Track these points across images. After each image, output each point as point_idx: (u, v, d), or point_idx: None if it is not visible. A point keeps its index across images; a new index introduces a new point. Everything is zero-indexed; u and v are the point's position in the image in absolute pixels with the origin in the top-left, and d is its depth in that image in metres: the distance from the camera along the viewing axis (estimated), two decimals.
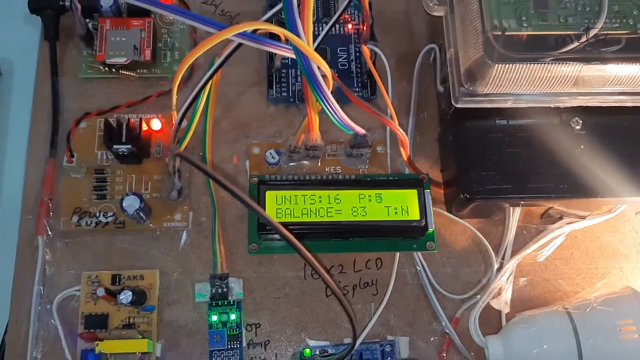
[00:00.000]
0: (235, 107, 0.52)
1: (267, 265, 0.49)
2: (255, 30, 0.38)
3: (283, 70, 0.52)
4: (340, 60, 0.53)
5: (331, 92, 0.41)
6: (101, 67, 0.51)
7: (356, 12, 0.54)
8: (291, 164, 0.51)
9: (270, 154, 0.50)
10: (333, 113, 0.41)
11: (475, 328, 0.46)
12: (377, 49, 0.51)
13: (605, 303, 0.43)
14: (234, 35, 0.37)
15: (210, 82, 0.46)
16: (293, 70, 0.52)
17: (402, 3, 0.56)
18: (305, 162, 0.50)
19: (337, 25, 0.54)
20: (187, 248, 0.49)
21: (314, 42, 0.46)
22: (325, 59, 0.53)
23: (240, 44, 0.39)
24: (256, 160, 0.50)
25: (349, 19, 0.54)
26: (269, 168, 0.50)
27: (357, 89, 0.53)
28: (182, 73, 0.38)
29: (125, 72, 0.51)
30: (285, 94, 0.52)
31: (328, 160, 0.51)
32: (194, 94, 0.41)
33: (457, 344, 0.47)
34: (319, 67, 0.39)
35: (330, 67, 0.52)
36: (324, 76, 0.40)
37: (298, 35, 0.38)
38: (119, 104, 0.50)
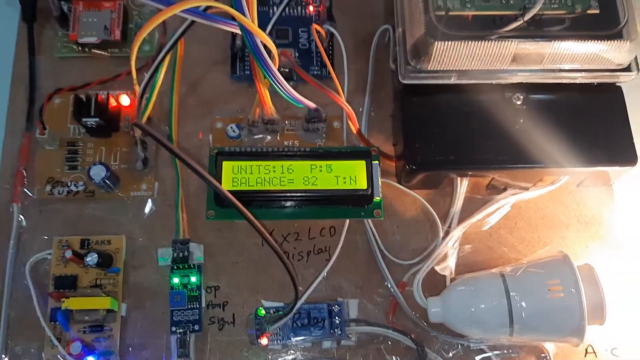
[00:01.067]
0: (200, 85, 0.56)
1: (227, 231, 0.52)
2: (208, 8, 0.41)
3: (246, 50, 0.55)
4: (301, 40, 0.56)
5: (278, 69, 0.44)
6: (75, 47, 0.55)
7: None
8: (253, 137, 0.54)
9: (231, 128, 0.53)
10: (280, 86, 0.44)
11: (418, 290, 0.49)
12: (333, 30, 0.54)
13: (536, 266, 0.46)
14: (182, 12, 0.40)
15: (174, 60, 0.50)
16: None
17: None
18: (264, 136, 0.54)
19: (300, 7, 0.57)
20: (152, 216, 0.52)
21: (270, 22, 0.49)
22: (287, 39, 0.56)
23: (192, 22, 0.42)
24: (219, 134, 0.54)
25: (310, 1, 0.57)
26: (231, 142, 0.53)
27: (316, 68, 0.56)
28: (136, 48, 0.41)
29: (97, 52, 0.55)
30: (247, 72, 0.55)
31: (287, 134, 0.54)
32: (152, 69, 0.45)
33: (403, 306, 0.50)
34: (265, 46, 0.42)
35: (292, 47, 0.56)
36: (271, 54, 0.43)
37: (243, 13, 0.41)
38: (91, 81, 0.53)
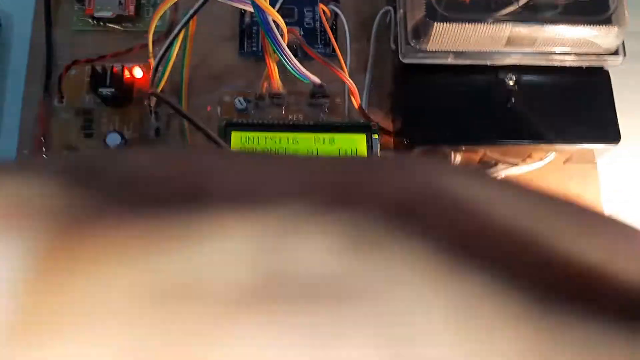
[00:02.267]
0: (210, 60, 0.58)
1: None
2: None
3: (253, 27, 0.58)
4: (306, 19, 0.59)
5: (287, 45, 0.47)
6: (90, 21, 0.57)
7: None
8: (259, 111, 0.57)
9: (239, 100, 0.56)
10: (288, 62, 0.47)
11: None
12: (337, 10, 0.57)
13: None
14: None
15: (186, 35, 0.53)
16: None
17: None
18: (270, 109, 0.57)
19: None
20: None
21: (278, 1, 0.52)
22: (292, 18, 0.59)
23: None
24: (227, 107, 0.57)
25: None
26: (238, 114, 0.56)
27: (320, 46, 0.58)
28: (154, 24, 0.45)
29: (111, 26, 0.57)
30: (255, 48, 0.58)
31: (292, 109, 0.57)
32: (167, 43, 0.47)
33: None
34: (275, 22, 0.45)
35: (297, 25, 0.59)
36: (281, 31, 0.46)
37: None
38: (105, 53, 0.56)
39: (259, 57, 0.58)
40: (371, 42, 0.59)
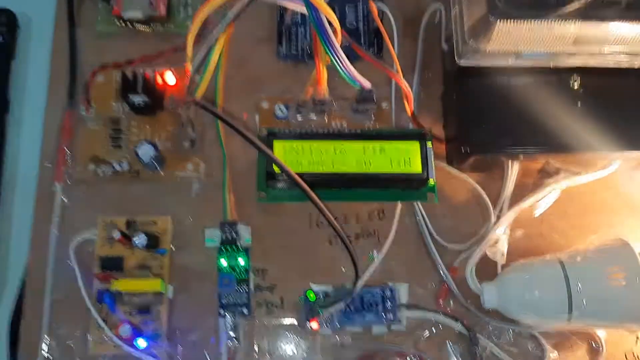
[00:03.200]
0: (246, 63, 0.54)
1: (274, 214, 0.51)
2: None
3: (293, 28, 0.54)
4: (348, 19, 0.55)
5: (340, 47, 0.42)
6: (117, 22, 0.53)
7: None
8: (300, 119, 0.52)
9: (279, 107, 0.52)
10: (341, 65, 0.42)
11: (472, 275, 0.48)
12: (385, 8, 0.53)
13: (596, 252, 0.45)
14: None
15: (223, 37, 0.48)
16: (302, 28, 0.54)
17: None
18: (313, 117, 0.52)
19: None
20: (198, 197, 0.51)
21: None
22: None
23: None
24: (265, 114, 0.52)
25: None
26: (278, 122, 0.52)
27: (364, 48, 0.54)
28: (197, 25, 0.40)
29: (140, 27, 0.53)
30: (294, 51, 0.54)
31: (335, 115, 0.53)
32: (206, 47, 0.43)
33: (454, 290, 0.49)
34: (328, 21, 0.41)
35: None
36: (334, 30, 0.42)
37: None
38: (134, 57, 0.52)
39: (298, 60, 0.54)
40: (419, 42, 0.55)
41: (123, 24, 0.53)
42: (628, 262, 0.44)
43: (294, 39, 0.54)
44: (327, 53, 0.42)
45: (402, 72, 0.53)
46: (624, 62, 0.48)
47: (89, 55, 0.53)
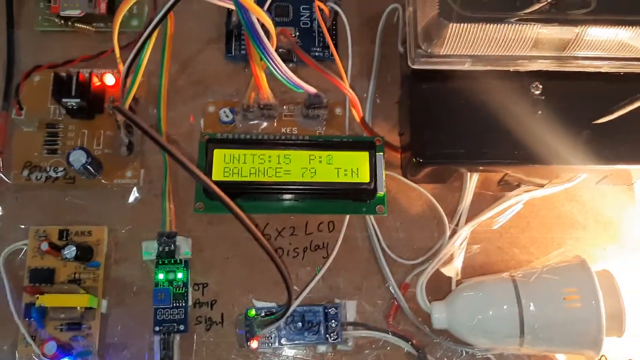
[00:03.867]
0: (192, 64, 0.52)
1: (217, 225, 0.48)
2: None
3: (242, 28, 0.51)
4: (302, 18, 0.52)
5: (276, 49, 0.40)
6: (57, 20, 0.51)
7: None
8: (247, 123, 0.50)
9: (225, 112, 0.49)
10: (277, 69, 0.40)
11: (422, 293, 0.45)
12: (337, 8, 0.50)
13: (551, 272, 0.42)
14: None
15: (164, 37, 0.46)
16: None
17: None
18: (260, 122, 0.50)
19: None
20: (137, 205, 0.48)
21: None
22: (287, 17, 0.52)
23: None
24: (211, 118, 0.50)
25: None
26: (224, 127, 0.49)
27: (318, 49, 0.51)
28: (118, 22, 0.38)
29: (81, 26, 0.50)
30: (244, 51, 0.51)
31: (284, 121, 0.50)
32: (137, 46, 0.40)
33: (404, 309, 0.46)
34: (260, 22, 0.38)
35: (292, 25, 0.52)
36: (267, 33, 0.39)
37: None
38: (73, 57, 0.49)
39: (247, 62, 0.51)
40: (376, 44, 0.52)
41: (63, 23, 0.50)
42: (584, 283, 0.41)
43: (243, 39, 0.51)
44: (261, 58, 0.39)
45: (358, 75, 0.51)
46: (588, 66, 0.45)
47: (28, 55, 0.51)
